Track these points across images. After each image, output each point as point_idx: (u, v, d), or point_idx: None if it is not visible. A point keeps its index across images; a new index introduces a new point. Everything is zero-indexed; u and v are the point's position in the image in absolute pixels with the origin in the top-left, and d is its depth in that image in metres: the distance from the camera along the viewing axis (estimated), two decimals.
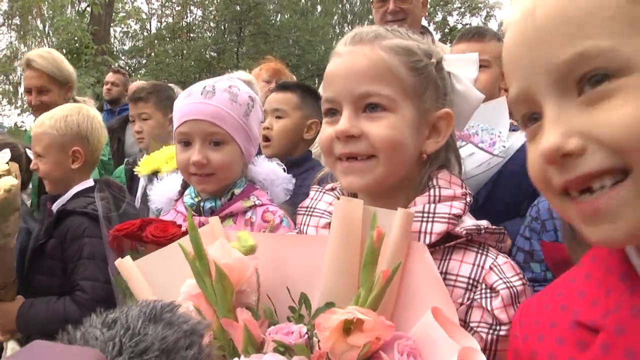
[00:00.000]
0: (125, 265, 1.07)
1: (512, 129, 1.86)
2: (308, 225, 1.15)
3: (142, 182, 2.78)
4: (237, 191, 1.63)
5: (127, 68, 22.21)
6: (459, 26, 32.08)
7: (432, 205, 1.02)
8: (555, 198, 0.66)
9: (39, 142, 2.24)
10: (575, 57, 0.60)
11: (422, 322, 0.84)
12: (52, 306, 2.06)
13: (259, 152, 2.33)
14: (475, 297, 0.98)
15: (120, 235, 1.37)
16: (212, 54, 23.81)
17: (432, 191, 1.04)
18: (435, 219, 1.00)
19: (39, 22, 18.46)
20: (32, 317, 2.07)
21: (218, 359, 0.86)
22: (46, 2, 11.72)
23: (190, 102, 1.57)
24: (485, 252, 1.02)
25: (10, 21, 21.87)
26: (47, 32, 14.35)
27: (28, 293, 2.17)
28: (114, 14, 16.43)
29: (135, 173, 2.82)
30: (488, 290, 0.98)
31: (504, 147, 1.74)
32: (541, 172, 0.65)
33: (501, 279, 0.98)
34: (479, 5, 31.45)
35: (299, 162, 2.35)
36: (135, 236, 1.36)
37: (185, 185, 1.74)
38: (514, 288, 0.96)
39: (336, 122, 1.05)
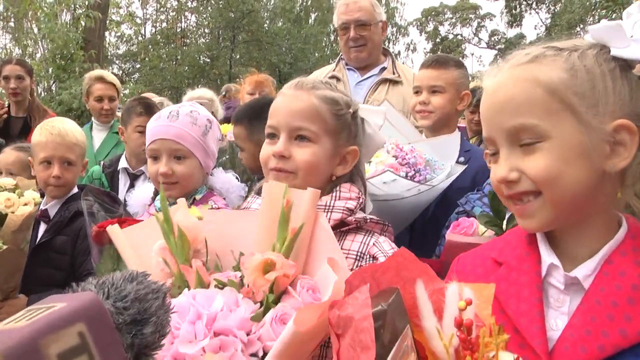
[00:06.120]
0: (114, 231, 1.37)
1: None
2: None
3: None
4: (198, 197, 1.96)
5: (121, 73, 22.37)
6: (450, 36, 32.52)
7: (333, 201, 1.40)
8: (505, 199, 1.05)
9: (73, 151, 2.41)
10: (515, 127, 0.98)
11: (322, 268, 1.17)
12: None
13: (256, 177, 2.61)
14: (362, 264, 1.35)
15: (102, 231, 1.69)
16: (205, 59, 23.89)
17: (334, 193, 1.42)
18: (333, 210, 1.38)
19: (34, 25, 18.63)
20: None
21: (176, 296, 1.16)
22: (41, 9, 11.92)
23: (158, 124, 1.91)
24: (371, 235, 1.40)
25: (5, 23, 22.02)
26: (42, 35, 14.57)
27: (27, 284, 2.32)
28: (107, 21, 16.59)
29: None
30: (371, 259, 1.36)
31: (446, 176, 2.04)
32: (497, 186, 1.04)
33: (380, 250, 1.37)
34: (470, 16, 31.93)
35: None
36: None
37: (156, 193, 2.06)
38: (388, 256, 1.32)
39: (274, 143, 1.43)
